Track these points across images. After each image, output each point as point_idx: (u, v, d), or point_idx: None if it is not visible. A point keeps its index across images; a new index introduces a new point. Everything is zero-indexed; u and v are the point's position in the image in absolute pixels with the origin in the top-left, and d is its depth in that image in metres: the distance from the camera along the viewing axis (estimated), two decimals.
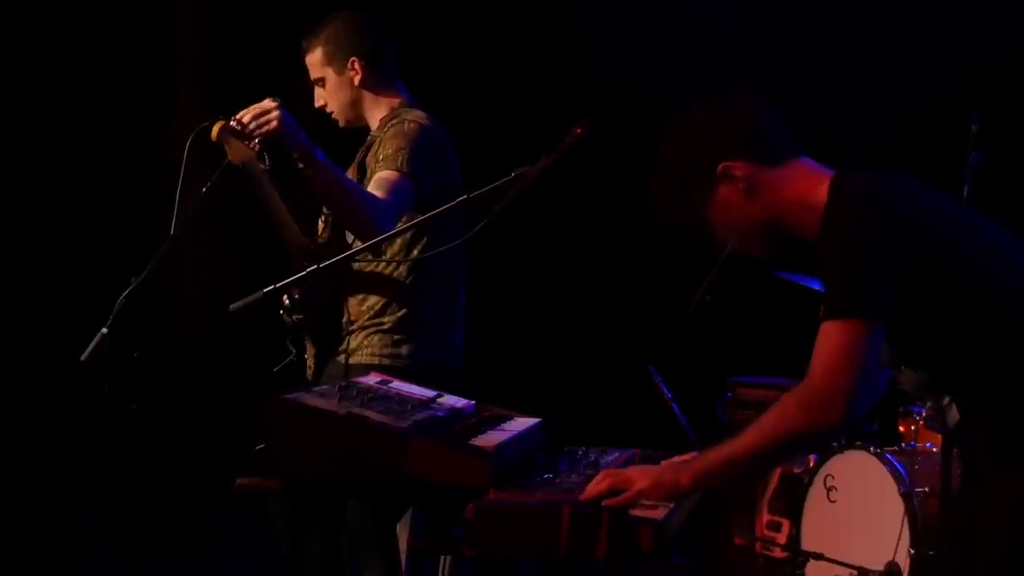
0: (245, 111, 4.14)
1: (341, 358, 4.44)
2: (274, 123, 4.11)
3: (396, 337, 4.37)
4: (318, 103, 4.62)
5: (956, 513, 3.06)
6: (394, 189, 4.23)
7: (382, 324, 4.38)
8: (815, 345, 2.86)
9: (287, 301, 4.24)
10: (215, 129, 4.17)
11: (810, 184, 2.99)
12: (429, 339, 4.42)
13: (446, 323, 4.50)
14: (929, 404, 4.98)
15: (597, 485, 2.95)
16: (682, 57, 6.69)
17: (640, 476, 2.96)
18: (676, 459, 3.19)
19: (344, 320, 4.46)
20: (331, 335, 4.43)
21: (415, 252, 4.35)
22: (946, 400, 2.97)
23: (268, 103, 4.13)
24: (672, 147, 3.07)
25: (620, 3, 6.94)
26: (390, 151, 4.32)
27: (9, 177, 6.50)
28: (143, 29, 6.77)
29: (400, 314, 4.38)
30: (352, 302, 4.45)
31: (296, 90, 4.61)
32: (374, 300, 4.40)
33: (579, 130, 3.56)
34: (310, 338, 4.34)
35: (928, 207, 2.95)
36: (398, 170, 4.28)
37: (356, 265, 4.36)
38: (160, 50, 6.82)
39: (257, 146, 4.16)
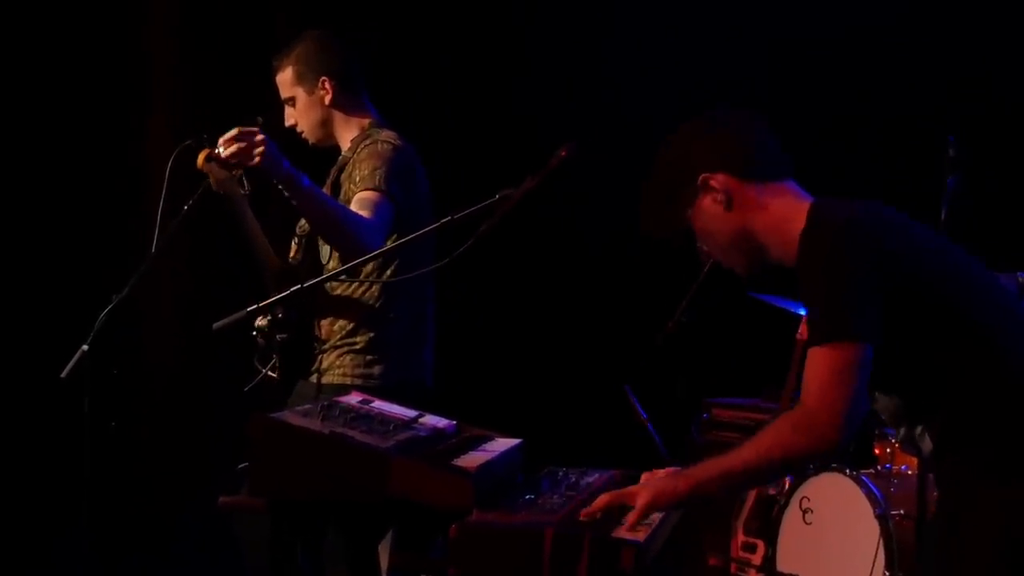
0: (228, 139, 4.13)
1: (313, 377, 4.44)
2: (257, 156, 4.09)
3: (368, 357, 4.38)
4: (288, 122, 4.63)
5: (935, 536, 3.07)
6: (377, 208, 4.25)
7: (354, 344, 4.39)
8: (806, 370, 2.88)
9: (266, 321, 4.24)
10: (200, 158, 4.20)
11: (788, 208, 3.04)
12: (401, 358, 4.43)
13: (417, 341, 4.50)
14: (902, 432, 5.00)
15: (597, 503, 2.98)
16: (660, 82, 6.71)
17: (640, 491, 2.99)
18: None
19: (315, 340, 4.47)
20: (299, 354, 4.43)
21: (388, 273, 4.36)
22: (919, 429, 3.00)
23: (252, 130, 4.12)
24: (660, 158, 3.16)
25: (608, 19, 6.97)
26: (367, 171, 4.33)
27: None
28: (116, 42, 6.73)
29: (372, 334, 4.38)
30: (324, 322, 4.45)
31: (270, 104, 4.62)
32: (346, 320, 4.41)
33: (564, 152, 3.57)
34: (279, 357, 4.34)
35: (903, 235, 2.98)
36: (377, 189, 4.29)
37: (327, 285, 4.36)
38: (135, 65, 6.78)
39: (238, 172, 4.19)
